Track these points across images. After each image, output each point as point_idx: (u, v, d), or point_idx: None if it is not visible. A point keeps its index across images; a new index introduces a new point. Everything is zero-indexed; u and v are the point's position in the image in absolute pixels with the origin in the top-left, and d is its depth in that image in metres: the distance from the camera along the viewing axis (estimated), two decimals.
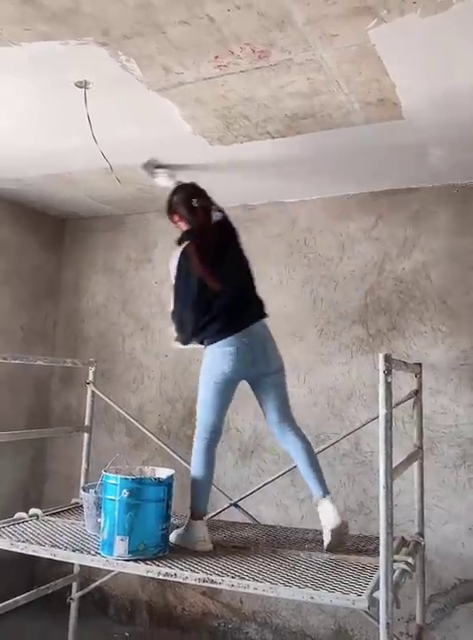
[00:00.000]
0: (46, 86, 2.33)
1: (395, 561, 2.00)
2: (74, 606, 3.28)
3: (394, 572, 1.96)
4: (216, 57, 2.07)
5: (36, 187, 3.58)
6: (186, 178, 2.86)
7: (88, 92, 2.33)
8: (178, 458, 3.14)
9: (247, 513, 3.01)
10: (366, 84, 2.23)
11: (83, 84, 2.29)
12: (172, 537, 2.43)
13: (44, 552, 2.39)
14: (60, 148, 2.93)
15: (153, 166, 3.01)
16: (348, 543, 2.42)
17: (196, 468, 2.52)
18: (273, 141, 2.75)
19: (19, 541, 2.46)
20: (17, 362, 3.08)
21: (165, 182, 2.99)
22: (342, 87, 2.26)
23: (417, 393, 2.72)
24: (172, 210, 2.65)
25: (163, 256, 4.00)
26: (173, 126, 2.62)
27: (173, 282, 2.55)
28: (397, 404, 2.36)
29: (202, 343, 2.54)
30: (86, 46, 2.03)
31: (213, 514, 3.04)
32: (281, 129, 2.62)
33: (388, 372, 1.97)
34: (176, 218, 2.65)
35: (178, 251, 2.54)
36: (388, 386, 1.97)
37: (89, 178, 3.37)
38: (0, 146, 2.96)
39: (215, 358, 2.47)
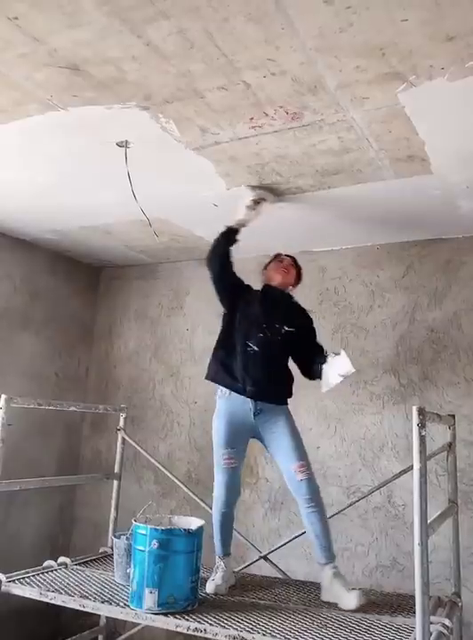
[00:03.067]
0: (89, 145, 2.46)
1: (431, 623, 1.94)
2: None
3: (431, 634, 1.89)
4: (251, 118, 2.17)
5: (73, 237, 3.72)
6: (220, 227, 2.94)
7: (129, 150, 2.45)
8: (206, 507, 3.11)
9: (277, 566, 2.95)
10: (396, 142, 2.30)
11: (124, 144, 2.41)
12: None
13: (73, 603, 2.38)
14: (100, 202, 3.07)
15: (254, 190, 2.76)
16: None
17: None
18: (303, 195, 2.83)
19: (48, 591, 2.46)
20: (51, 408, 3.14)
21: (249, 210, 2.76)
22: (372, 144, 2.33)
23: (451, 445, 2.67)
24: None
25: (194, 304, 4.09)
26: (209, 182, 2.72)
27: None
28: (430, 457, 2.32)
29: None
30: (129, 110, 2.15)
31: (242, 566, 2.99)
32: (313, 184, 2.70)
33: (421, 426, 1.96)
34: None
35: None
36: (422, 439, 1.95)
37: (125, 229, 3.50)
38: (43, 199, 3.11)
39: None
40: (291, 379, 2.72)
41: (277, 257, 2.92)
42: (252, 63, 1.84)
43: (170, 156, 2.50)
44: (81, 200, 3.07)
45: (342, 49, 1.75)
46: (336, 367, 2.53)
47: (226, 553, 2.61)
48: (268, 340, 2.63)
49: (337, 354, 2.56)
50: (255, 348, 2.61)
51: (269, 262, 2.93)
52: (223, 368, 2.66)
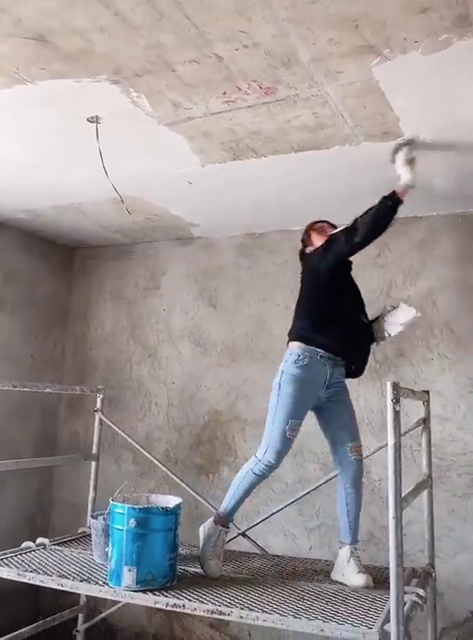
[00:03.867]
0: (59, 121, 2.40)
1: (405, 593, 1.98)
2: (80, 639, 3.24)
3: (405, 604, 1.93)
4: (224, 93, 2.13)
5: (46, 217, 3.65)
6: (197, 205, 2.90)
7: (99, 126, 2.39)
8: (185, 486, 3.13)
9: (255, 543, 2.99)
10: (371, 118, 2.28)
11: (95, 120, 2.36)
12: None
13: (51, 582, 2.38)
14: (72, 180, 3.00)
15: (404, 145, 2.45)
16: None
17: None
18: (280, 173, 2.80)
19: (26, 571, 2.45)
20: (27, 390, 3.10)
21: (408, 168, 2.45)
22: (347, 120, 2.31)
23: (425, 421, 2.71)
24: None
25: (171, 284, 4.06)
26: (182, 159, 2.68)
27: None
28: (406, 433, 2.35)
29: None
30: (99, 83, 2.10)
31: None
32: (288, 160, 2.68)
33: (396, 401, 1.98)
34: None
35: None
36: (396, 414, 1.97)
37: (99, 208, 3.44)
38: (13, 178, 3.04)
39: None
40: None
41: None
42: (223, 35, 1.80)
43: (142, 132, 2.45)
44: (52, 178, 3.01)
45: (315, 20, 1.72)
46: (396, 317, 2.53)
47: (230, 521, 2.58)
48: (362, 309, 2.66)
49: (395, 306, 2.58)
50: (365, 321, 2.63)
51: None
52: (324, 333, 2.50)
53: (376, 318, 2.65)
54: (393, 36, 1.79)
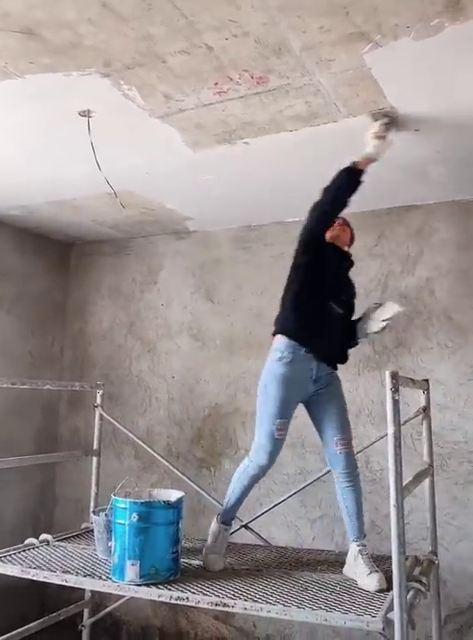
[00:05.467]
0: (50, 116, 2.38)
1: (409, 581, 1.99)
2: (86, 633, 3.26)
3: (408, 592, 1.94)
4: (215, 83, 2.11)
5: (41, 213, 3.63)
6: (191, 197, 2.89)
7: (91, 120, 2.37)
8: (187, 480, 3.13)
9: (258, 534, 2.99)
10: (364, 106, 2.26)
11: (86, 113, 2.34)
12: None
13: (55, 578, 2.39)
14: (65, 175, 2.99)
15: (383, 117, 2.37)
16: None
17: None
18: (273, 163, 2.79)
19: (30, 568, 2.45)
20: (26, 387, 3.10)
21: (378, 142, 2.39)
22: (340, 109, 2.29)
23: (425, 409, 2.71)
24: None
25: (168, 279, 4.05)
26: (175, 152, 2.66)
27: None
28: (406, 422, 2.35)
29: None
30: (89, 77, 2.08)
31: None
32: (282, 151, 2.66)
33: (395, 390, 1.97)
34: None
35: None
36: (395, 403, 1.96)
37: (93, 203, 3.42)
38: (6, 175, 3.02)
39: None
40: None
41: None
42: (213, 25, 1.78)
43: (134, 125, 2.43)
44: (46, 174, 2.99)
45: (305, 8, 1.70)
46: (380, 314, 2.48)
47: (231, 521, 2.57)
48: (345, 303, 2.56)
49: (381, 304, 2.55)
50: (340, 311, 2.52)
51: None
52: (305, 327, 2.44)
53: (361, 316, 2.59)
54: (384, 22, 1.77)
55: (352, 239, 2.79)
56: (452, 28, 1.78)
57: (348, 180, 2.39)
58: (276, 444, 2.42)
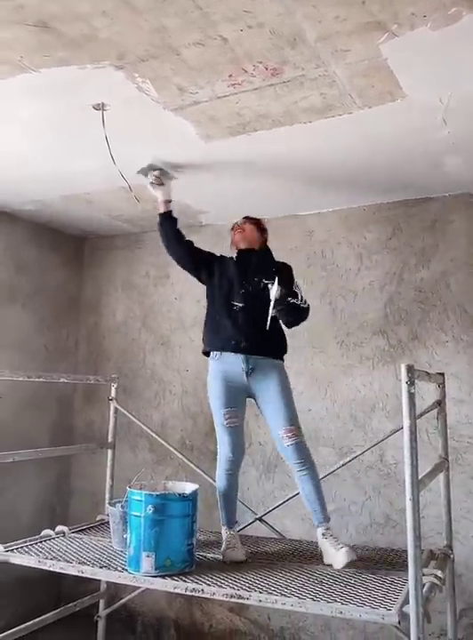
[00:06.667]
0: (64, 110, 2.38)
1: (424, 575, 1.98)
2: (101, 624, 3.29)
3: (423, 586, 1.93)
4: (230, 76, 2.10)
5: (55, 207, 3.65)
6: (205, 191, 2.87)
7: (105, 113, 2.37)
8: (201, 472, 3.14)
9: (272, 527, 3.00)
10: (379, 98, 2.24)
11: (100, 107, 2.34)
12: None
13: (71, 569, 2.41)
14: (79, 169, 2.99)
15: (150, 170, 2.85)
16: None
17: None
18: (287, 156, 2.77)
19: (47, 559, 2.48)
20: (41, 380, 3.12)
21: (158, 189, 2.86)
22: (355, 100, 2.27)
23: (440, 403, 2.69)
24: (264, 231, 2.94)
25: (181, 272, 4.02)
26: (189, 144, 2.66)
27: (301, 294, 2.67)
28: (421, 415, 2.33)
29: None
30: (103, 70, 2.08)
31: (239, 529, 3.03)
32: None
33: (410, 383, 1.96)
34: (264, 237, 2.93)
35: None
36: (411, 397, 1.96)
37: (107, 197, 3.43)
38: (20, 168, 3.03)
39: None
40: (282, 333, 2.71)
41: (233, 225, 2.93)
42: (227, 16, 1.77)
43: (148, 118, 2.43)
44: (60, 168, 3.00)
45: None
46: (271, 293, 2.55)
47: (233, 522, 2.62)
48: (250, 295, 2.65)
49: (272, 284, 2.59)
50: (240, 305, 2.64)
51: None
52: (213, 333, 2.70)
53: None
54: (401, 12, 1.75)
55: (261, 232, 2.89)
56: (471, 17, 1.75)
57: (161, 226, 2.83)
58: (230, 432, 2.59)
